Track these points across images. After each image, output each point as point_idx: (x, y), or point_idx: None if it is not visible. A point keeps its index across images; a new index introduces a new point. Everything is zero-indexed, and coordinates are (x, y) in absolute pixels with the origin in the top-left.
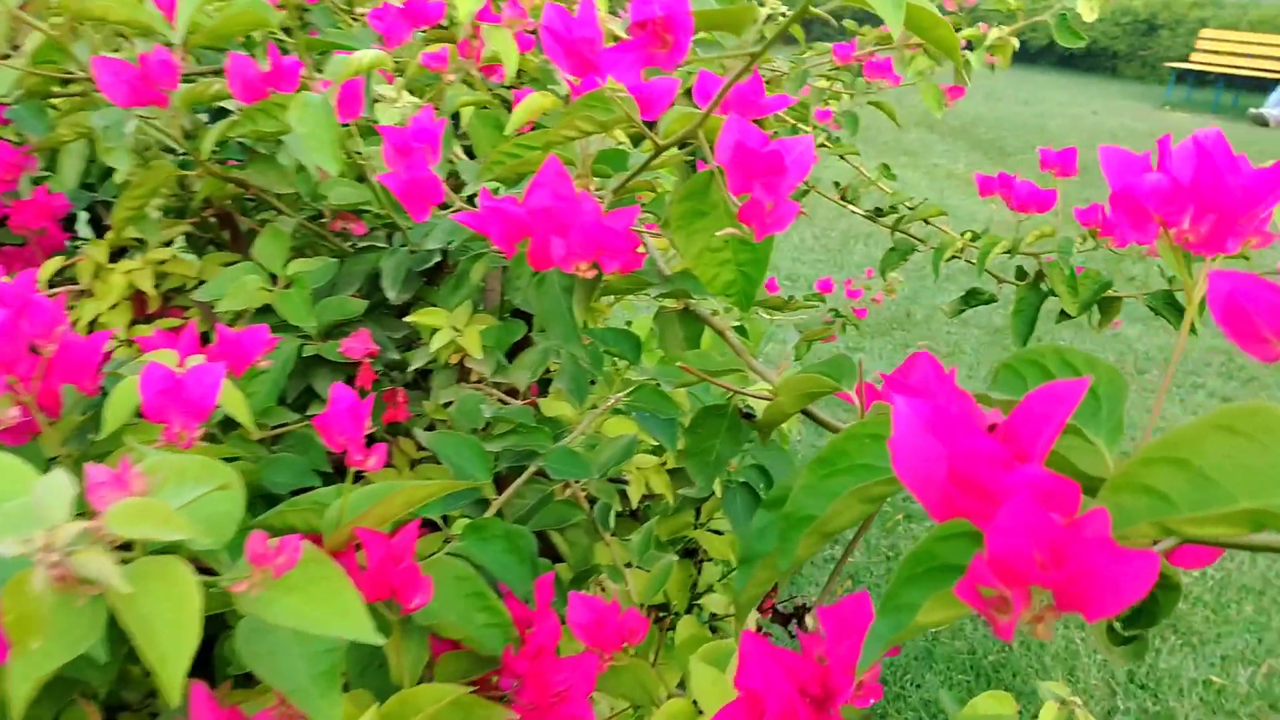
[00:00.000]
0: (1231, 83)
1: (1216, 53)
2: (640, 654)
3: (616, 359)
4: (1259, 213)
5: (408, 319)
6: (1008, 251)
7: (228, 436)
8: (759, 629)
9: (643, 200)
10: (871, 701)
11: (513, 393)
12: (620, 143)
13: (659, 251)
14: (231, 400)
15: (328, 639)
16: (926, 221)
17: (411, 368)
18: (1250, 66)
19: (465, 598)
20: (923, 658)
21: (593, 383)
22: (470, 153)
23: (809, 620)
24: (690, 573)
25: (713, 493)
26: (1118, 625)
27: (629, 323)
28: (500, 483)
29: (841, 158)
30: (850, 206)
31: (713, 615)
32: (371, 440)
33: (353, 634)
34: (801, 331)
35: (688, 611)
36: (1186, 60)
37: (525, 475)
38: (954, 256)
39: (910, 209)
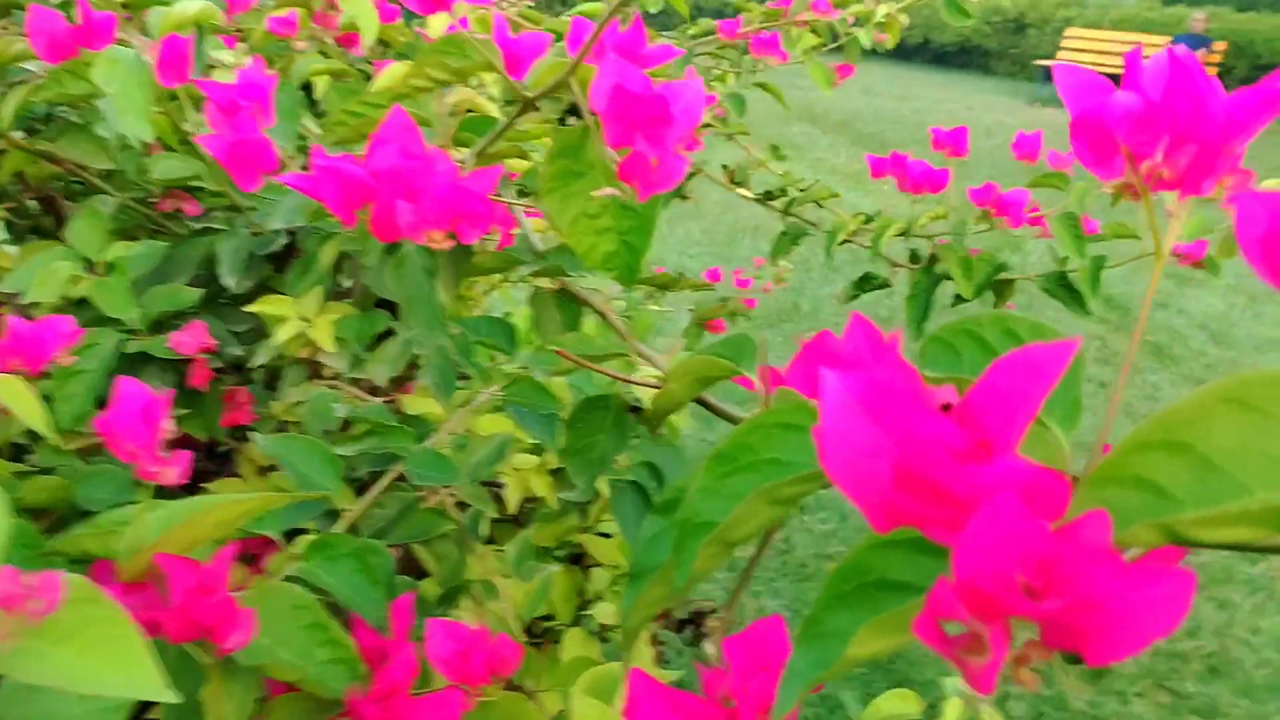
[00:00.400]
0: None
1: (1082, 50)
2: (519, 677)
3: (496, 353)
4: (1238, 145)
5: (249, 308)
6: (901, 234)
7: (36, 446)
8: (653, 637)
9: (515, 177)
10: None
11: (375, 392)
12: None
13: (533, 230)
14: (23, 405)
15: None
16: (819, 204)
17: (255, 364)
18: (1113, 64)
19: (303, 630)
20: None
21: (465, 378)
22: None
23: (709, 648)
24: (577, 580)
25: (599, 494)
26: None
27: (508, 314)
28: (361, 491)
29: (730, 138)
30: (739, 190)
31: (603, 626)
32: (191, 446)
33: (137, 690)
34: (696, 310)
35: (575, 623)
36: (1054, 58)
37: (384, 481)
38: (846, 240)
39: (801, 191)
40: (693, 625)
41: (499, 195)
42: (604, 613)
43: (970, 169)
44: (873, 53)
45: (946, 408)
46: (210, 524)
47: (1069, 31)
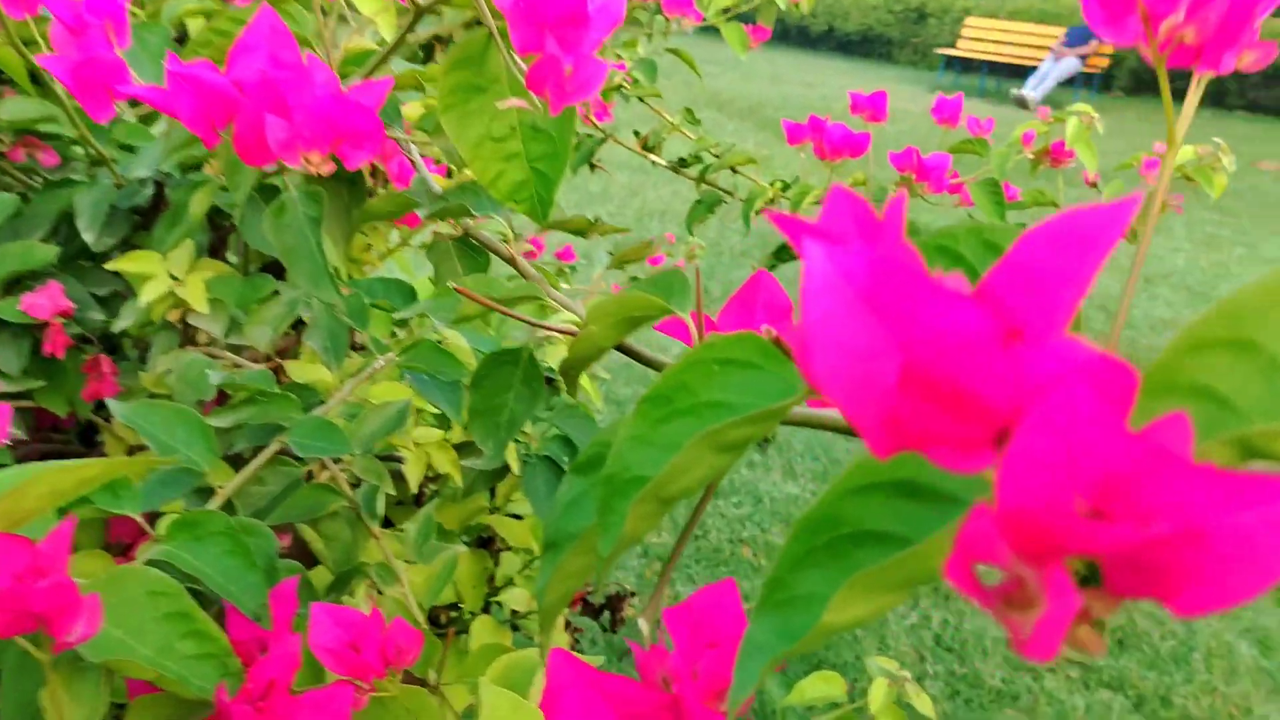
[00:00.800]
0: (994, 68)
1: (980, 40)
2: (421, 670)
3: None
4: (1263, 10)
5: (111, 266)
6: (820, 201)
7: None
8: (567, 624)
9: (410, 131)
10: None
11: (258, 362)
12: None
13: (430, 175)
14: None
15: None
16: (734, 171)
17: (118, 327)
18: (1009, 54)
19: (162, 620)
20: None
21: (360, 348)
22: None
23: (643, 624)
24: (486, 565)
25: (509, 469)
26: None
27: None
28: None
29: (641, 100)
30: (651, 156)
31: (514, 613)
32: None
33: None
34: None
35: (485, 610)
36: (954, 47)
37: (265, 455)
38: (761, 210)
39: (716, 157)
40: (610, 611)
41: (393, 137)
42: (515, 599)
43: (879, 149)
44: (780, 38)
45: None
46: (41, 494)
47: (969, 21)
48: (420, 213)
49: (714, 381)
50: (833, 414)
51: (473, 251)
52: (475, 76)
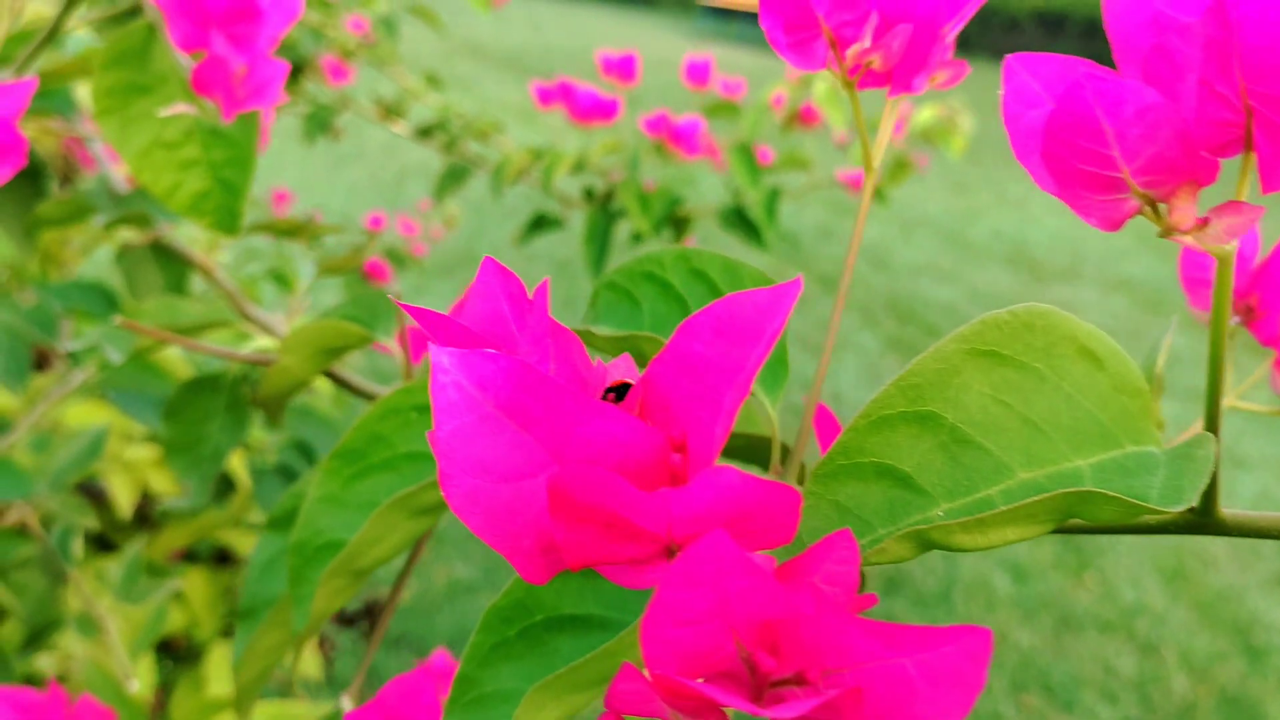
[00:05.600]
0: (751, 18)
1: None
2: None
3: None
4: (951, 29)
5: None
6: (575, 170)
7: None
8: (322, 641)
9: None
10: None
11: None
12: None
13: (115, 167)
14: None
15: None
16: (480, 139)
17: None
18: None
19: None
20: None
21: (41, 366)
22: None
23: (345, 702)
24: (224, 582)
25: (241, 484)
26: None
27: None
28: None
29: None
30: (394, 124)
31: None
32: None
33: None
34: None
35: (227, 634)
36: None
37: None
38: (517, 178)
39: (462, 126)
40: (368, 619)
41: (75, 130)
42: None
43: (638, 103)
44: None
45: (621, 391)
46: None
47: None
48: (97, 221)
49: (413, 431)
50: None
51: (170, 258)
52: (138, 75)
